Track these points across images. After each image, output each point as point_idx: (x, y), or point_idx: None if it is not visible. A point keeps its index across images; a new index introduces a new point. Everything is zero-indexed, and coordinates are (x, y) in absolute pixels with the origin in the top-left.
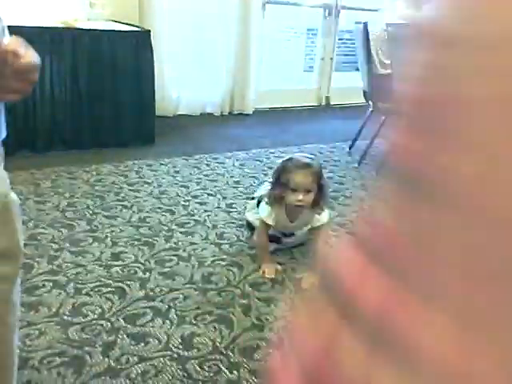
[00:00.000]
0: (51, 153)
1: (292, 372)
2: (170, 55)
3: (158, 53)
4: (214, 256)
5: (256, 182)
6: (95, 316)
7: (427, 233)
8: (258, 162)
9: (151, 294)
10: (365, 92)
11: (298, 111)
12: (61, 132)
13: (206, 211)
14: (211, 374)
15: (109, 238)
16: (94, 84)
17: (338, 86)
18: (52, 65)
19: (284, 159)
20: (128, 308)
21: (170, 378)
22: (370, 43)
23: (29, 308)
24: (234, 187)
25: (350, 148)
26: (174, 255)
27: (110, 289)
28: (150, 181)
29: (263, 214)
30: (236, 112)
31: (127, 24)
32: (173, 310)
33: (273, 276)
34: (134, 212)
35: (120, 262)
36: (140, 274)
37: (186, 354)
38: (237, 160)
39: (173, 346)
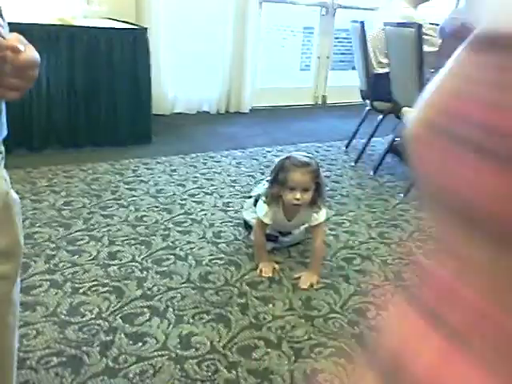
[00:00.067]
0: (47, 151)
1: None
2: (167, 53)
3: (155, 51)
4: (212, 255)
5: (253, 180)
6: (92, 315)
7: None
8: (254, 161)
9: (148, 293)
10: (361, 91)
11: (295, 110)
12: (57, 130)
13: (202, 210)
14: (209, 374)
15: (106, 237)
16: (91, 82)
17: (334, 85)
18: (48, 62)
19: (282, 158)
20: (125, 307)
21: (168, 377)
22: (367, 42)
23: (26, 308)
24: (230, 186)
25: (346, 147)
26: (171, 254)
27: (107, 288)
28: (146, 179)
29: (260, 212)
30: (232, 110)
31: (124, 22)
32: (170, 310)
33: (270, 275)
34: (130, 211)
35: (117, 261)
36: (137, 273)
37: (183, 353)
38: (233, 158)
39: (171, 345)
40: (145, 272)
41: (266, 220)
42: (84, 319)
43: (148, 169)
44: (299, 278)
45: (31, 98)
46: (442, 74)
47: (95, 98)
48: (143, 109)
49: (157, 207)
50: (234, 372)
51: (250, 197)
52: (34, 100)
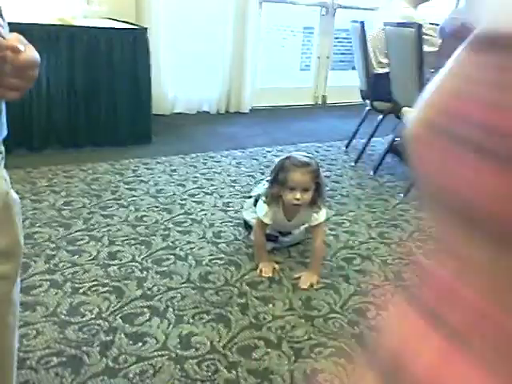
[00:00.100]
0: (47, 151)
1: None
2: (167, 53)
3: (155, 51)
4: (212, 255)
5: (253, 180)
6: (92, 315)
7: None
8: (254, 161)
9: (148, 293)
10: (361, 91)
11: (295, 110)
12: (57, 130)
13: (202, 210)
14: (209, 374)
15: (106, 237)
16: (91, 82)
17: (334, 85)
18: (48, 62)
19: (282, 157)
20: (125, 307)
21: (168, 377)
22: (367, 42)
23: (26, 308)
24: (230, 186)
25: (346, 147)
26: (171, 254)
27: (107, 288)
28: (146, 179)
29: (260, 212)
30: (232, 110)
31: (124, 22)
32: (170, 310)
33: (270, 275)
34: (130, 211)
35: (117, 261)
36: (137, 273)
37: (183, 353)
38: (233, 158)
39: (171, 345)
40: (145, 272)
41: (266, 220)
42: (84, 319)
43: (148, 169)
44: (299, 278)
45: (31, 98)
46: (442, 74)
47: (95, 97)
48: (143, 109)
49: (157, 207)
50: (233, 372)
51: (250, 197)
52: (34, 100)
